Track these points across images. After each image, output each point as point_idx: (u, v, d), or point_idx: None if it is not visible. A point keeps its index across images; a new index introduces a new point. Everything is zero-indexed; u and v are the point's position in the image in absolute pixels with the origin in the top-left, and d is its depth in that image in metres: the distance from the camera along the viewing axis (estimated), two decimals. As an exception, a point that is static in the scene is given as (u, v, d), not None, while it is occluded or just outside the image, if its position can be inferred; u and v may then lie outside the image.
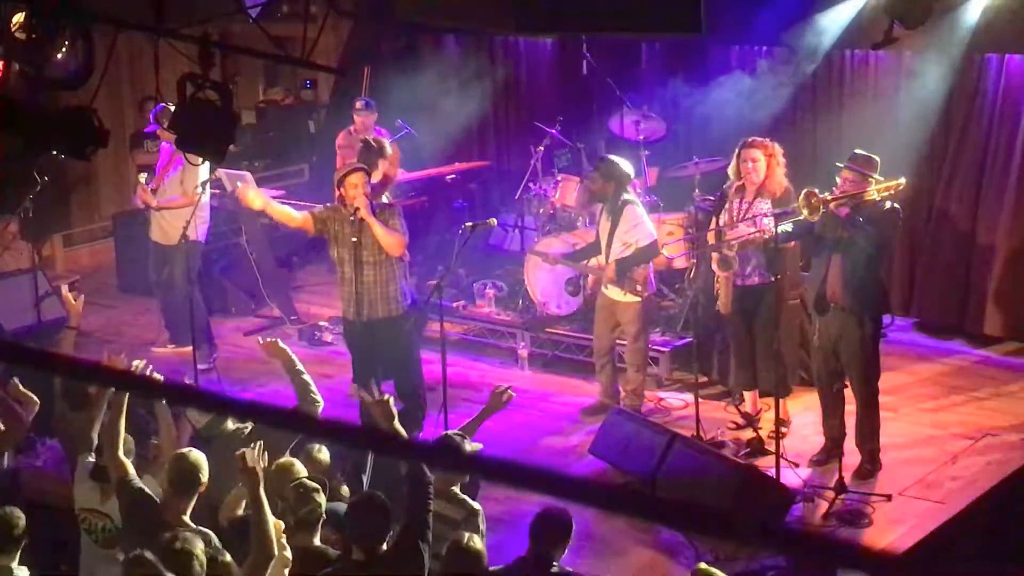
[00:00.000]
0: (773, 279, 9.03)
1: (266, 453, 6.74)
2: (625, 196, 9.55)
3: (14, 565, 6.26)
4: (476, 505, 6.88)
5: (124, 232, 12.78)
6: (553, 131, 11.67)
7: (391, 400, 7.03)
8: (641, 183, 10.95)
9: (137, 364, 7.17)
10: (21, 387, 7.49)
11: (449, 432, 7.42)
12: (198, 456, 6.52)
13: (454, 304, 11.09)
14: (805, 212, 8.29)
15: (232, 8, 9.73)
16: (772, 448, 8.64)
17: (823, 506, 8.35)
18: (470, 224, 9.37)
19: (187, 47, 7.43)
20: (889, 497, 8.44)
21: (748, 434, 9.27)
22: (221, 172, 11.49)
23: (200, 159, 8.21)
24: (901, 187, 8.45)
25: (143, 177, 11.09)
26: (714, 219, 9.32)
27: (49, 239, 13.31)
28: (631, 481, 8.61)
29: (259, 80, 15.55)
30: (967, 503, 8.40)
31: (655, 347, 10.14)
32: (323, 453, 7.20)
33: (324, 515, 6.44)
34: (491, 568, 6.35)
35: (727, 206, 9.17)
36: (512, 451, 9.03)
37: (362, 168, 9.15)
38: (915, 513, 8.34)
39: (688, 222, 10.67)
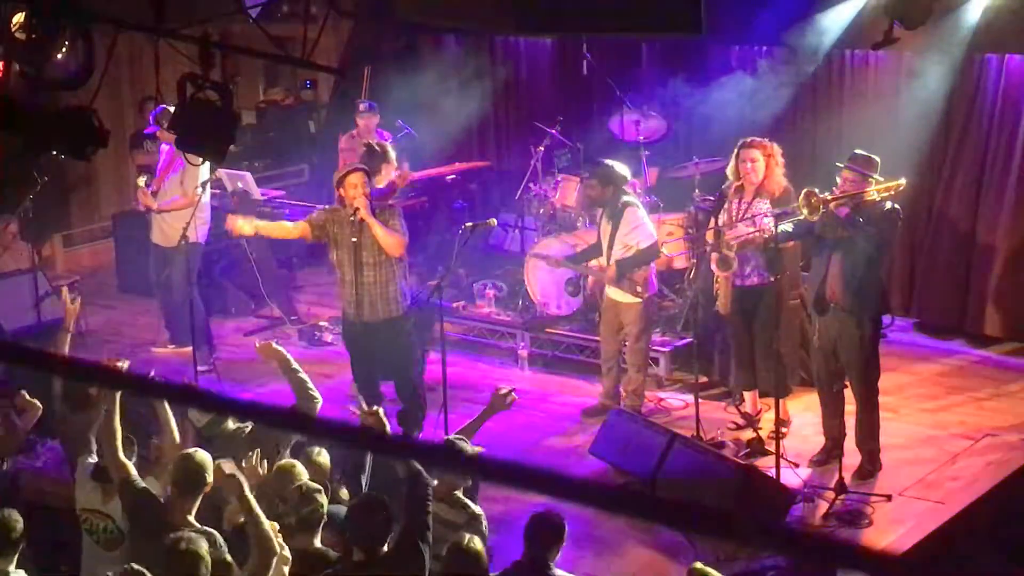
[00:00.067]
0: (772, 279, 9.03)
1: (265, 461, 6.76)
2: (625, 198, 9.55)
3: (11, 569, 6.25)
4: (478, 509, 6.88)
5: (124, 232, 12.78)
6: (553, 131, 11.67)
7: (381, 412, 7.06)
8: (641, 183, 10.95)
9: (121, 365, 7.16)
10: (28, 396, 7.43)
11: (450, 437, 7.43)
12: (204, 456, 6.51)
13: (454, 304, 11.09)
14: (805, 212, 8.29)
15: (232, 8, 9.73)
16: (772, 448, 8.64)
17: (823, 506, 8.35)
18: (470, 224, 9.37)
19: (187, 47, 7.43)
20: (889, 497, 8.44)
21: (748, 434, 9.27)
22: (221, 172, 11.49)
23: (200, 159, 8.21)
24: (901, 188, 8.45)
25: (142, 181, 11.09)
26: (713, 219, 9.33)
27: (49, 239, 13.31)
28: (631, 481, 8.61)
29: (259, 80, 15.55)
30: (967, 503, 8.40)
31: (655, 347, 10.14)
32: (323, 456, 7.20)
33: (326, 516, 6.44)
34: (491, 575, 6.36)
35: (726, 206, 9.17)
36: (512, 452, 9.03)
37: (362, 168, 9.15)
38: (915, 513, 8.34)
39: (688, 222, 10.67)
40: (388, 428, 6.97)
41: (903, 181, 8.47)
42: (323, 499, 6.42)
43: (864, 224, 8.30)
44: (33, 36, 7.32)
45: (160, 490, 6.74)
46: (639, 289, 9.43)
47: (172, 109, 7.96)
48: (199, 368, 10.09)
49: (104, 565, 6.72)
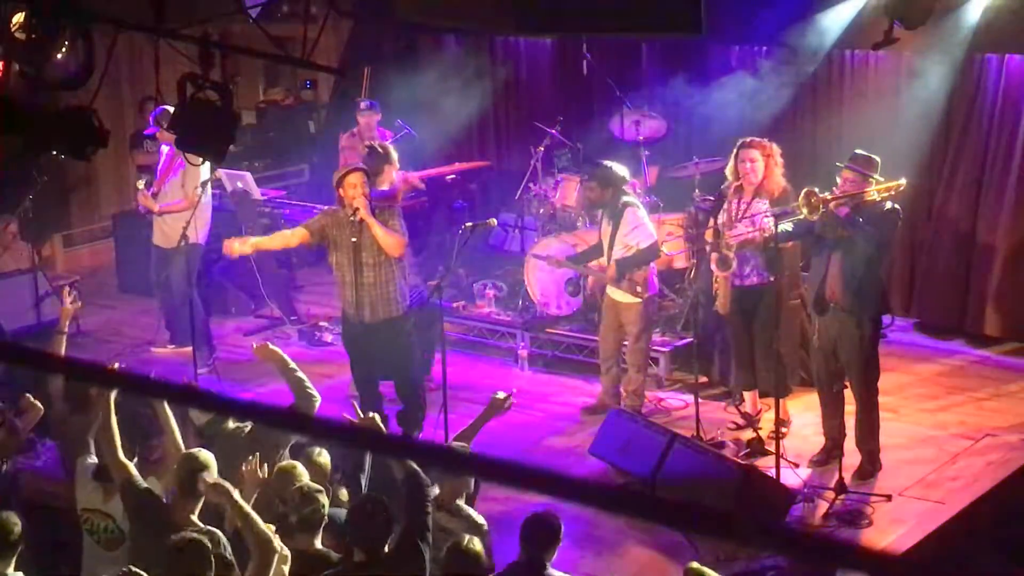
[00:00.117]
0: (772, 279, 9.03)
1: (264, 465, 6.75)
2: (625, 198, 9.55)
3: (10, 571, 6.24)
4: (481, 519, 6.86)
5: (124, 232, 12.78)
6: (553, 131, 11.67)
7: (377, 418, 7.06)
8: (641, 183, 10.95)
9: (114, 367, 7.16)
10: (32, 399, 7.41)
11: (450, 443, 7.43)
12: (207, 456, 6.51)
13: (454, 304, 11.09)
14: (805, 212, 8.29)
15: (232, 8, 9.74)
16: (772, 448, 8.64)
17: (823, 506, 8.35)
18: (470, 224, 9.37)
19: (187, 47, 7.43)
20: (889, 497, 8.44)
21: (748, 434, 9.27)
22: (221, 172, 11.49)
23: (200, 159, 8.21)
24: (901, 188, 8.44)
25: (142, 183, 11.08)
26: (712, 219, 9.33)
27: (49, 239, 13.30)
28: (631, 481, 8.61)
29: (259, 80, 15.55)
30: (967, 503, 8.40)
31: (655, 347, 10.14)
32: (323, 457, 7.20)
33: (326, 517, 6.44)
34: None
35: (725, 206, 9.17)
36: (512, 451, 9.02)
37: (361, 168, 9.14)
38: (915, 513, 8.34)
39: (688, 222, 10.67)
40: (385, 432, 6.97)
41: (903, 181, 8.46)
42: (324, 499, 6.41)
43: (864, 224, 8.30)
44: (33, 36, 7.32)
45: (162, 490, 6.74)
46: (639, 289, 9.42)
47: (172, 109, 7.96)
48: (199, 368, 10.09)
49: (105, 565, 6.72)
